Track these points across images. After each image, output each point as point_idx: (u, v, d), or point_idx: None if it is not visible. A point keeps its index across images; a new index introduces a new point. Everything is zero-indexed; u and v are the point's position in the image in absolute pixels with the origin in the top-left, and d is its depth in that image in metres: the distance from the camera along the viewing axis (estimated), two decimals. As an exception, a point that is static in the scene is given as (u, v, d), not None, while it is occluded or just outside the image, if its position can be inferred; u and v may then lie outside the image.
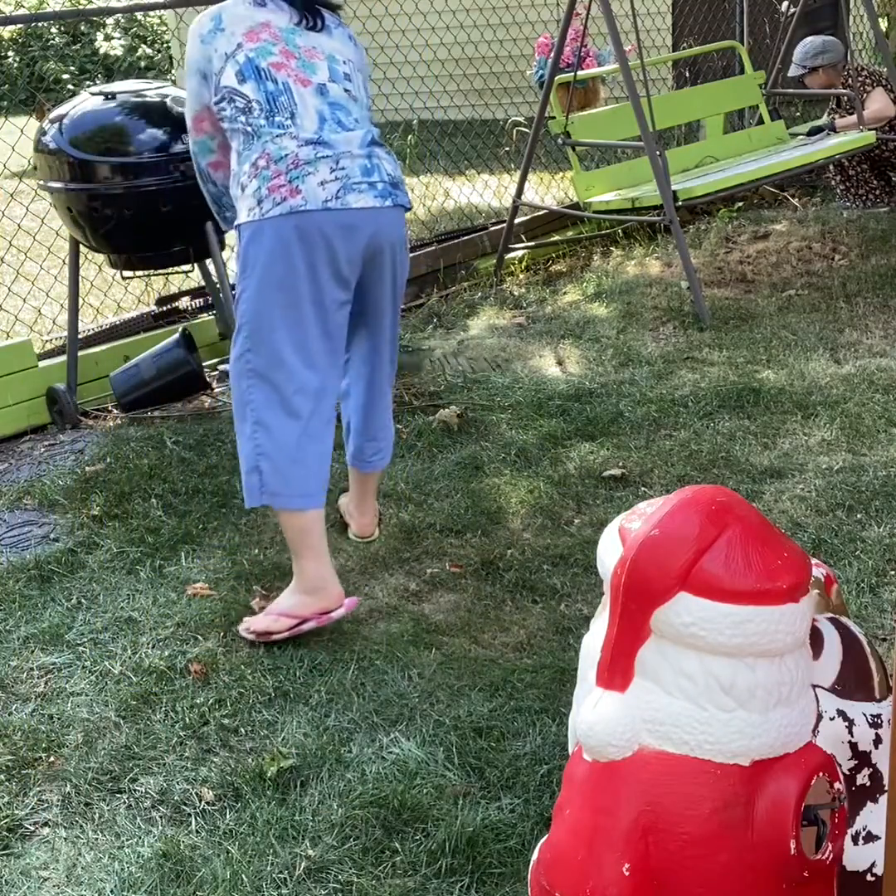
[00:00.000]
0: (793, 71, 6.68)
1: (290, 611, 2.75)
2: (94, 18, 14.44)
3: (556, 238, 6.40)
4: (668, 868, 1.56)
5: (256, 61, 2.79)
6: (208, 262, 4.28)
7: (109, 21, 15.59)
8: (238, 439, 2.82)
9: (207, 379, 4.52)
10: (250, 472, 2.77)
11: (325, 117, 2.80)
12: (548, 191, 7.20)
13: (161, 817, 2.24)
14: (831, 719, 1.63)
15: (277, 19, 2.86)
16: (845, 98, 6.45)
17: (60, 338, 4.91)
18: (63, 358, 4.41)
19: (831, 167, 6.59)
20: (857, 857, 1.64)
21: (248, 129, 2.77)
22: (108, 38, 16.29)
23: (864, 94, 6.29)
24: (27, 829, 2.24)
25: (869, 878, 1.63)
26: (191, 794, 2.29)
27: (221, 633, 2.83)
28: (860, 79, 6.35)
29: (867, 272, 5.38)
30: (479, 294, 5.59)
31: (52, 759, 2.42)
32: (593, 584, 2.92)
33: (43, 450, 4.12)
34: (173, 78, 11.73)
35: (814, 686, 1.65)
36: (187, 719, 2.51)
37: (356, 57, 2.97)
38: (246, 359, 2.75)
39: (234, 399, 2.81)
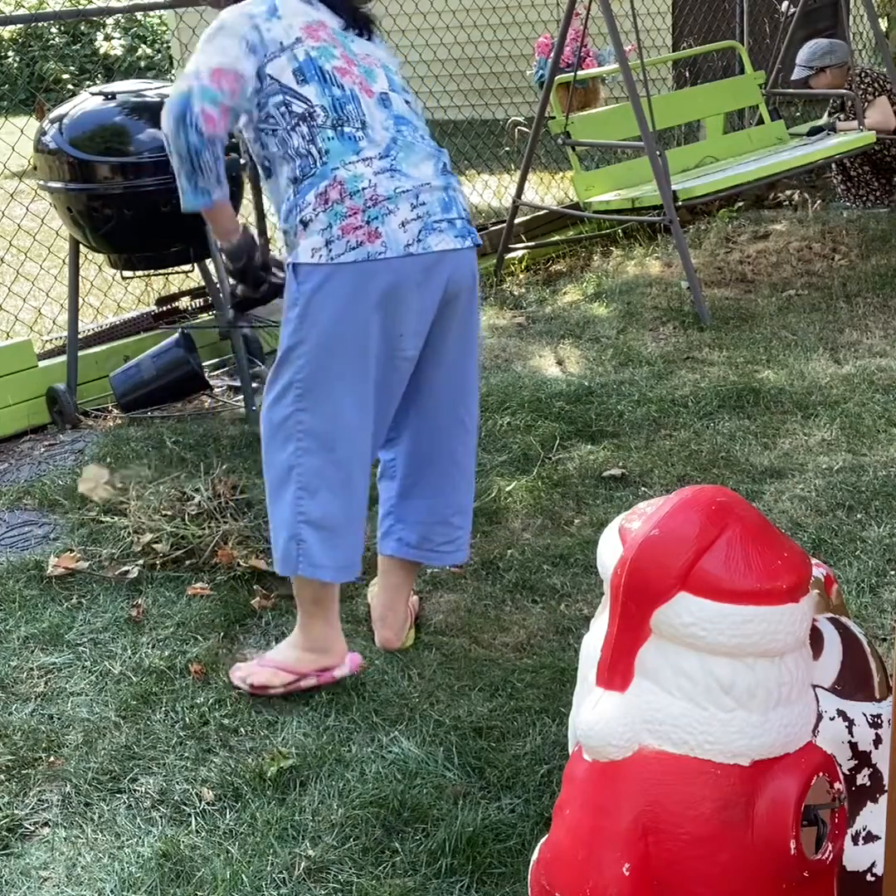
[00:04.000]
0: (798, 73, 6.65)
1: (290, 666, 2.56)
2: (94, 18, 14.45)
3: (556, 238, 6.40)
4: (668, 868, 1.56)
5: (319, 62, 2.44)
6: (208, 261, 4.28)
7: (109, 21, 15.59)
8: (272, 502, 2.52)
9: (207, 379, 4.53)
10: (290, 540, 2.48)
11: (393, 135, 2.46)
12: (548, 191, 7.20)
13: (161, 817, 2.24)
14: (831, 719, 1.63)
15: (331, 21, 2.53)
16: (850, 103, 6.45)
17: (60, 338, 4.91)
18: (63, 358, 4.41)
19: (833, 167, 6.60)
20: (857, 857, 1.64)
21: (310, 147, 2.40)
22: (108, 38, 16.31)
23: (867, 102, 6.28)
24: (27, 829, 2.24)
25: (869, 878, 1.63)
26: (191, 794, 2.29)
27: (221, 634, 2.83)
28: (864, 84, 6.35)
29: (867, 272, 5.38)
30: (479, 294, 5.58)
31: (52, 759, 2.42)
32: (593, 584, 2.92)
33: (43, 450, 4.12)
34: (173, 78, 11.74)
35: (814, 686, 1.65)
36: (187, 719, 2.51)
37: (399, 72, 2.63)
38: (296, 419, 2.43)
39: (272, 460, 2.50)
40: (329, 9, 2.55)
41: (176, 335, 4.43)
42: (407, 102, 2.54)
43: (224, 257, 2.65)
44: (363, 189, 2.37)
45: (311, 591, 2.54)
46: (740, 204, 6.70)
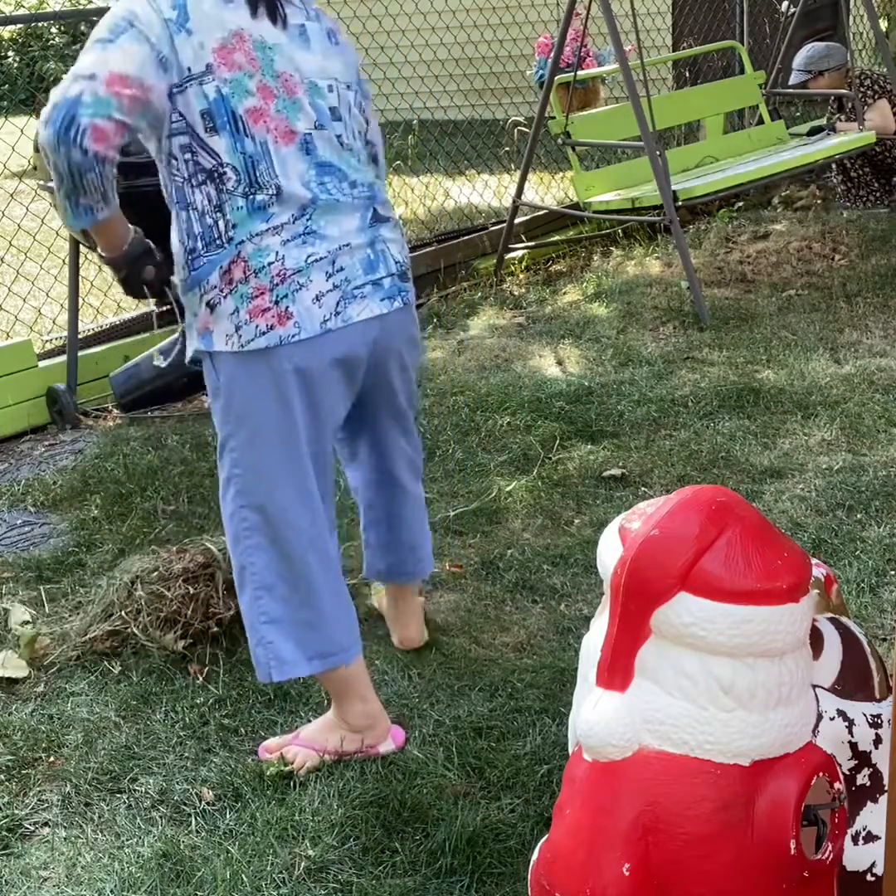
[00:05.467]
0: (796, 77, 6.65)
1: (335, 749, 2.36)
2: (94, 18, 14.42)
3: (556, 238, 6.40)
4: (668, 868, 1.56)
5: (232, 103, 2.11)
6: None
7: (109, 21, 15.57)
8: (239, 599, 2.35)
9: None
10: (256, 645, 2.30)
11: (313, 193, 2.18)
12: (548, 191, 7.20)
13: (161, 817, 2.24)
14: (831, 719, 1.63)
15: (247, 22, 2.15)
16: (849, 105, 6.44)
17: (60, 338, 4.92)
18: (63, 358, 4.42)
19: (833, 167, 6.60)
20: (857, 857, 1.64)
21: (217, 216, 2.15)
22: (108, 38, 16.28)
23: (867, 104, 6.28)
24: (27, 829, 2.24)
25: (869, 878, 1.63)
26: (191, 794, 2.29)
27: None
28: (865, 87, 6.35)
29: (867, 272, 5.38)
30: (479, 294, 5.59)
31: (52, 759, 2.42)
32: (593, 584, 2.92)
33: (43, 450, 4.12)
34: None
35: (814, 686, 1.65)
36: (187, 719, 2.51)
37: (342, 67, 2.28)
38: (241, 516, 2.27)
39: (231, 553, 2.35)
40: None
41: (176, 335, 4.43)
42: (339, 138, 2.23)
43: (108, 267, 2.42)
44: (269, 264, 2.14)
45: (334, 679, 2.36)
46: (740, 204, 6.70)
